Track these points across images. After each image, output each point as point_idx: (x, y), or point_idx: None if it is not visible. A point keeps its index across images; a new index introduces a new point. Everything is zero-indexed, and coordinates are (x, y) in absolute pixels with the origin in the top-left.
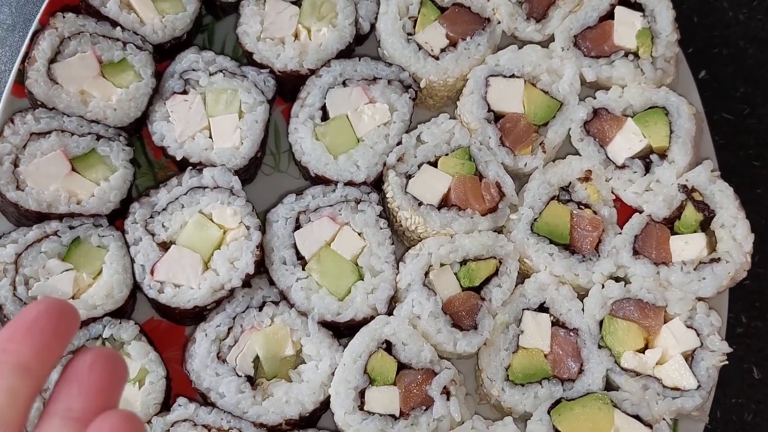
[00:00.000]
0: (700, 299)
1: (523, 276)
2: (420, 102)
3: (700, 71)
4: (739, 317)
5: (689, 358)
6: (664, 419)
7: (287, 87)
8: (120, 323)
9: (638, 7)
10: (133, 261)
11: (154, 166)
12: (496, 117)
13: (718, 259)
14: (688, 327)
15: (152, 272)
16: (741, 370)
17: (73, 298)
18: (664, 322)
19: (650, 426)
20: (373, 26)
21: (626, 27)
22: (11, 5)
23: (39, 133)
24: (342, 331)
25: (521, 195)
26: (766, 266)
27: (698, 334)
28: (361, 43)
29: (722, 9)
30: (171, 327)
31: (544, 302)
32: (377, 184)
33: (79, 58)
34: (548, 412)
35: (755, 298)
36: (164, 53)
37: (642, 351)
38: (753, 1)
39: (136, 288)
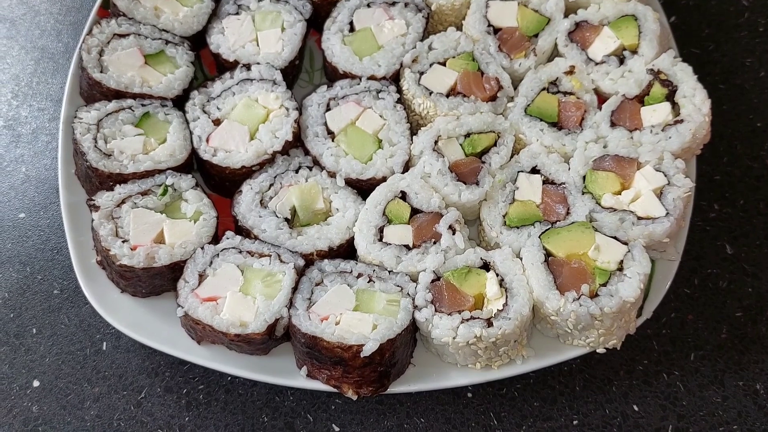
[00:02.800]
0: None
1: (518, 150)
2: (431, 29)
3: (670, 17)
4: (712, 205)
5: (659, 194)
6: (638, 240)
7: (321, 15)
8: (180, 176)
9: None
10: (191, 133)
11: (208, 79)
12: (495, 31)
13: (681, 121)
14: (657, 171)
15: (208, 140)
16: (715, 247)
17: (143, 154)
18: (637, 170)
19: (626, 243)
20: None
21: None
22: None
23: (120, 34)
24: (365, 191)
25: (516, 89)
26: (734, 166)
27: (665, 176)
28: None
29: None
30: (220, 200)
31: (536, 166)
32: (395, 80)
33: None
34: (539, 237)
35: (725, 190)
36: None
37: (619, 194)
38: None
39: (194, 156)
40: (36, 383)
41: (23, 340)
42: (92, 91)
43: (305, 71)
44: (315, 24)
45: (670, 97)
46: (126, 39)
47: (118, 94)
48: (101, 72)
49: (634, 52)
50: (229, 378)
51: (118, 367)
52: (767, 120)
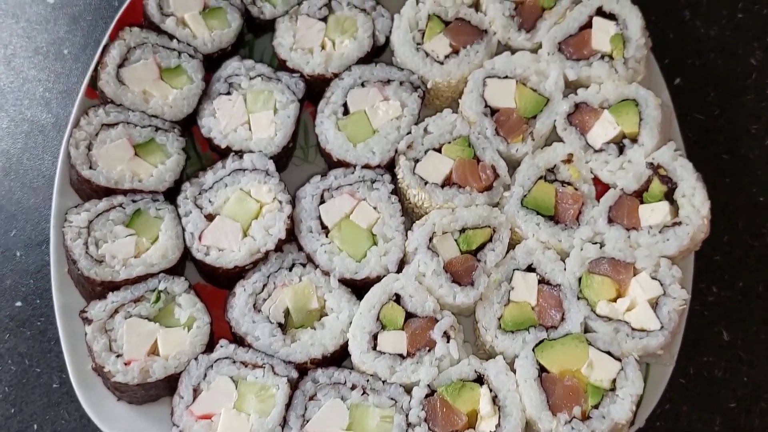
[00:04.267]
0: (666, 259)
1: (513, 244)
2: (428, 102)
3: (675, 78)
4: (710, 288)
5: (654, 304)
6: (632, 355)
7: (315, 91)
8: (173, 279)
9: (612, 18)
10: (183, 230)
11: (201, 158)
12: (492, 111)
13: (680, 223)
14: (653, 278)
15: (200, 238)
16: (712, 333)
17: (134, 257)
18: (633, 276)
19: (619, 360)
20: (387, 38)
21: (602, 33)
22: (83, 29)
23: (109, 124)
24: (359, 289)
25: (513, 176)
26: (734, 245)
27: (661, 284)
28: (378, 55)
29: (695, 26)
30: (214, 291)
31: (532, 264)
32: (390, 168)
33: (142, 64)
34: (532, 350)
35: (725, 271)
36: (212, 62)
37: (614, 301)
38: (722, 19)
39: (186, 253)
40: None
41: None
42: (82, 186)
43: (300, 147)
44: (309, 95)
45: (669, 194)
46: (114, 129)
47: (108, 191)
48: (90, 168)
49: (634, 140)
50: None
51: None
52: None
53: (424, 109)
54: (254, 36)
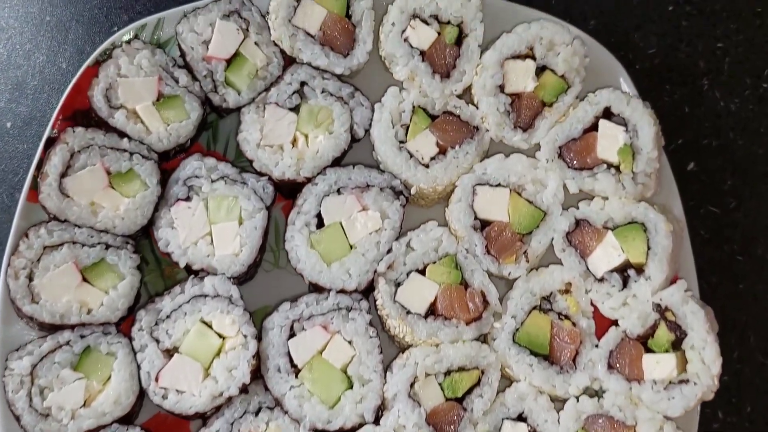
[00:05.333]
0: (670, 422)
1: (505, 381)
2: (412, 202)
3: (688, 163)
4: (716, 413)
5: None
6: None
7: (286, 188)
8: (127, 428)
9: (621, 121)
10: (139, 367)
11: (161, 263)
12: (483, 224)
13: (687, 381)
14: None
15: (157, 379)
16: None
17: (83, 406)
18: None
19: None
20: (367, 131)
21: (609, 141)
22: (28, 97)
23: (52, 246)
24: None
25: (504, 303)
26: (745, 362)
27: None
28: (357, 141)
29: (714, 98)
30: (177, 421)
31: (523, 412)
32: (368, 289)
33: (88, 172)
34: None
35: (732, 394)
36: (168, 158)
37: None
38: (745, 91)
39: (142, 392)
40: None
41: None
42: (25, 321)
43: (270, 250)
44: (281, 190)
45: (677, 343)
46: (58, 251)
47: (54, 327)
48: (32, 302)
49: (640, 269)
50: None
51: None
52: None
53: (407, 208)
54: (218, 116)
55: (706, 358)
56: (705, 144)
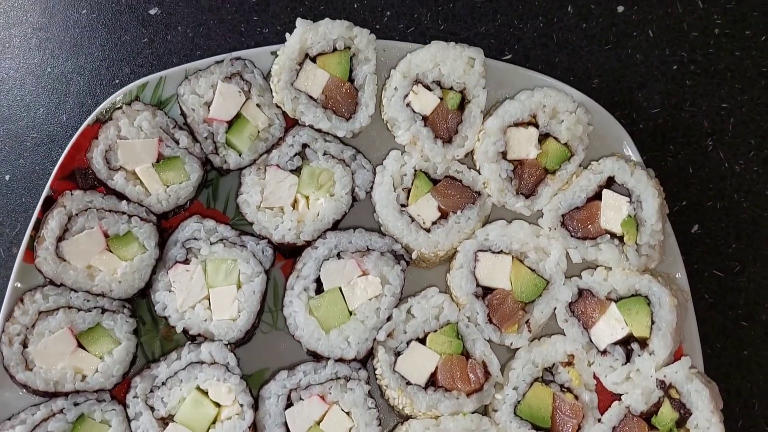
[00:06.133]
0: None
1: None
2: (413, 264)
3: (692, 225)
4: None
5: None
6: None
7: (285, 250)
8: None
9: (625, 191)
10: None
11: (158, 323)
12: (484, 292)
13: None
14: None
15: None
16: None
17: None
18: None
19: None
20: (368, 194)
21: (613, 211)
22: (28, 150)
23: (47, 311)
24: None
25: (506, 373)
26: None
27: None
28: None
29: (718, 160)
30: None
31: None
32: (367, 357)
33: (86, 235)
34: None
35: None
36: (168, 217)
37: None
38: (750, 152)
39: None
40: None
41: None
42: (18, 385)
43: (268, 311)
44: (280, 250)
45: (682, 422)
46: (54, 317)
47: (48, 394)
48: (27, 369)
49: (644, 344)
50: None
51: None
52: None
53: (409, 269)
54: (219, 175)
55: None
56: (709, 206)
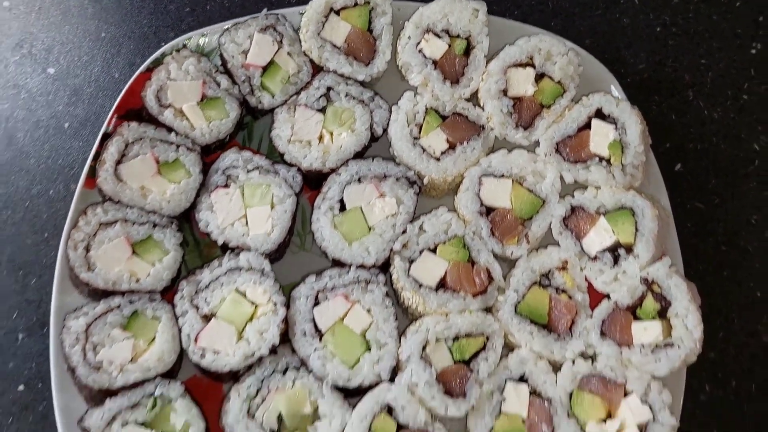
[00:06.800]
0: (657, 380)
1: (507, 348)
2: (424, 193)
3: (676, 164)
4: (703, 386)
5: (643, 428)
6: None
7: (312, 180)
8: (169, 383)
9: (611, 120)
10: (180, 330)
11: (200, 244)
12: (488, 210)
13: (672, 345)
14: (644, 402)
15: (196, 340)
16: None
17: (131, 362)
18: (624, 396)
19: None
20: (385, 130)
21: (601, 137)
22: (84, 101)
23: (106, 223)
24: (352, 394)
25: (507, 279)
26: (729, 343)
27: (651, 409)
28: (375, 140)
29: (698, 108)
30: (210, 384)
31: (524, 374)
32: (385, 265)
33: (140, 160)
34: None
35: (718, 369)
36: (210, 151)
37: (604, 421)
38: (727, 101)
39: (183, 352)
40: None
41: None
42: (80, 287)
43: (296, 234)
44: (307, 180)
45: (663, 312)
46: (112, 228)
47: (106, 293)
48: (89, 270)
49: (629, 249)
50: None
51: None
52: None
53: (420, 200)
54: (253, 118)
55: (688, 324)
56: (691, 147)
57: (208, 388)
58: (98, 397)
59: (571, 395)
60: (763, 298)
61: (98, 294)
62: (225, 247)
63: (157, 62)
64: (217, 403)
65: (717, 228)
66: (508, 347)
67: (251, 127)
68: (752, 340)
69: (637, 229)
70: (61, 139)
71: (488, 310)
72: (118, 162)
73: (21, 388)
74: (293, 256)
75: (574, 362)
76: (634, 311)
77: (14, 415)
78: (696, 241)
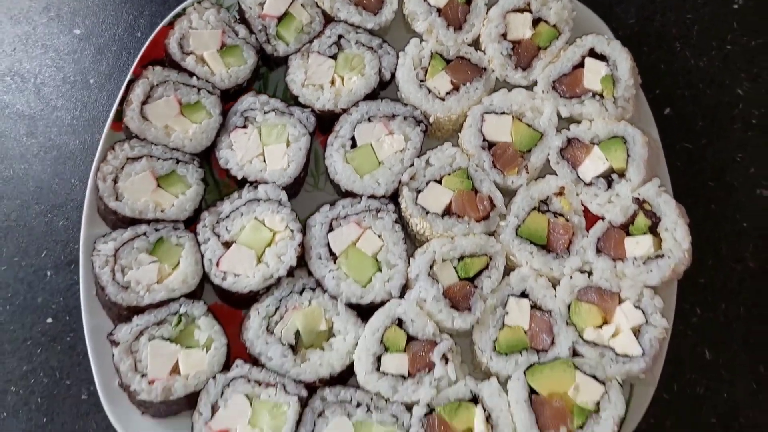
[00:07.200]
0: (649, 288)
1: (509, 270)
2: (430, 134)
3: (665, 109)
4: (694, 309)
5: (637, 332)
6: (615, 379)
7: (325, 122)
8: (192, 302)
9: (604, 58)
10: (202, 256)
11: (219, 185)
12: (490, 145)
13: (662, 255)
14: (637, 308)
15: (218, 264)
16: (695, 353)
17: (157, 283)
18: (618, 304)
19: (603, 383)
20: (393, 75)
21: (594, 74)
22: (108, 59)
23: (133, 157)
24: (364, 311)
25: (508, 206)
26: (717, 269)
27: (644, 314)
28: (384, 88)
29: (685, 57)
30: (230, 311)
31: (525, 290)
32: (394, 197)
33: (164, 101)
34: (524, 373)
35: (708, 293)
36: (228, 96)
37: (600, 327)
38: (712, 51)
39: (205, 278)
40: None
41: None
42: (109, 215)
43: (311, 174)
44: (320, 126)
45: (654, 228)
46: (138, 162)
47: (133, 221)
48: (116, 200)
49: (621, 175)
50: None
51: None
52: (753, 220)
53: (426, 141)
54: (268, 69)
55: (677, 237)
56: (679, 93)
57: (228, 315)
58: (125, 316)
59: (569, 307)
60: (749, 228)
61: (125, 223)
62: (244, 183)
63: (179, 16)
64: (237, 328)
65: (705, 166)
66: (510, 269)
67: (267, 78)
68: (739, 266)
69: (628, 155)
70: (87, 93)
71: (491, 235)
72: (144, 103)
73: (50, 320)
74: (308, 194)
75: (571, 277)
76: (626, 229)
77: (43, 345)
78: (686, 179)
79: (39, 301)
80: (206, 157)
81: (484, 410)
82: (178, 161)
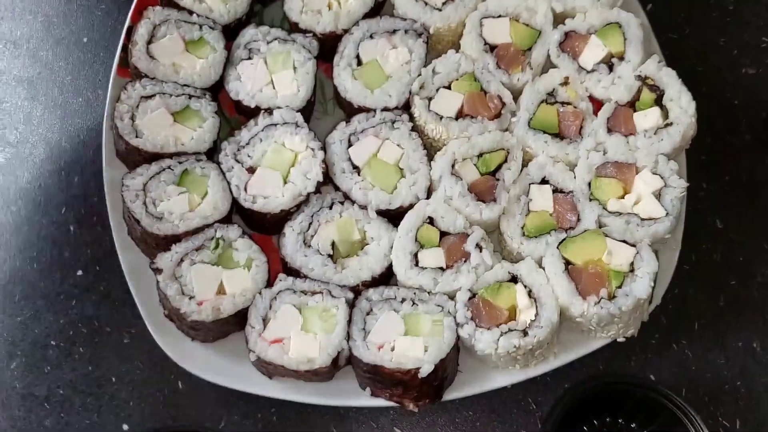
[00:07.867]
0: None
1: (526, 161)
2: (431, 47)
3: (647, 5)
4: (700, 184)
5: (658, 195)
6: (644, 240)
7: (327, 48)
8: (227, 227)
9: None
10: (229, 183)
11: (230, 122)
12: (491, 48)
13: (671, 123)
14: (654, 174)
15: (245, 189)
16: (707, 223)
17: (190, 211)
18: (636, 173)
19: (634, 245)
20: None
21: None
22: (99, 18)
23: (146, 96)
24: (394, 218)
25: (517, 103)
26: (715, 143)
27: (662, 178)
28: (380, 10)
29: None
30: (261, 239)
31: (545, 177)
32: (406, 107)
33: (168, 39)
34: (557, 248)
35: (710, 167)
36: (229, 32)
37: (622, 197)
38: None
39: (233, 206)
40: (125, 427)
41: (105, 389)
42: (130, 155)
43: (319, 102)
44: (321, 55)
45: (659, 101)
46: (152, 100)
47: (156, 156)
48: (137, 137)
49: (621, 58)
50: None
51: (197, 402)
52: (742, 96)
53: (429, 54)
54: (263, 5)
55: (682, 104)
56: None
57: (260, 243)
58: (163, 246)
59: (589, 184)
60: (740, 104)
61: (147, 160)
62: (256, 112)
63: None
64: (270, 253)
65: (690, 52)
66: (528, 159)
67: (261, 14)
68: (735, 138)
69: (625, 38)
70: (82, 52)
71: (505, 131)
72: (148, 43)
73: (80, 273)
74: (318, 121)
75: (588, 157)
76: (633, 105)
77: (77, 297)
78: (673, 65)
79: (66, 256)
80: (215, 96)
81: (525, 287)
82: (190, 96)
